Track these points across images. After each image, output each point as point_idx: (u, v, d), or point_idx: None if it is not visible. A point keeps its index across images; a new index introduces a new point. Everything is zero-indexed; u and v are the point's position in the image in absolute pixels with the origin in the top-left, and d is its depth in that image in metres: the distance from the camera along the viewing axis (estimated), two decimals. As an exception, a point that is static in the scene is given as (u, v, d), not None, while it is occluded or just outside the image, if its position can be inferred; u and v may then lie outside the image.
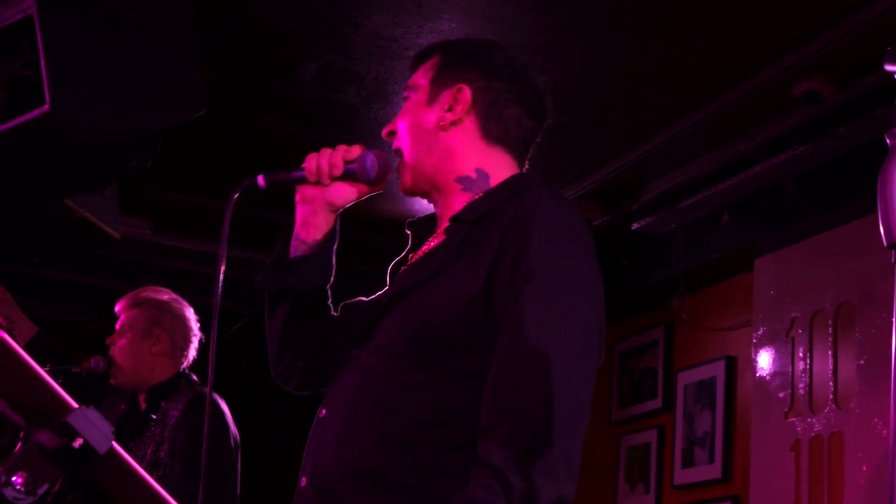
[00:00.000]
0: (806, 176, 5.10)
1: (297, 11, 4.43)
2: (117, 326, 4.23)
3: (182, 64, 3.98)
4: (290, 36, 4.63)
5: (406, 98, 2.36)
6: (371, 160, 2.28)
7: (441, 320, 2.06)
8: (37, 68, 3.74)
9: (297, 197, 2.35)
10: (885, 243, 1.84)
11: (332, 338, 2.38)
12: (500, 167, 2.27)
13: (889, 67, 1.88)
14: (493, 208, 2.15)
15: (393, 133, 2.34)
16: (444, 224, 2.27)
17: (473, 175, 2.25)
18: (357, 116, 5.15)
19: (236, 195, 2.24)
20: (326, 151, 2.28)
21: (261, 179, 2.25)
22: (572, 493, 1.93)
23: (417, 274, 2.19)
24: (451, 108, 2.26)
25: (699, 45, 4.46)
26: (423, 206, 2.38)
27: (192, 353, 4.28)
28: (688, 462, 5.89)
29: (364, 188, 2.32)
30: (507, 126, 2.29)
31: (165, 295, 4.34)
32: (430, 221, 2.37)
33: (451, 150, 2.27)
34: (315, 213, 2.33)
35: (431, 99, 2.29)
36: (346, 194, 2.32)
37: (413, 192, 2.34)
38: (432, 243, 2.27)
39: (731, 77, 4.67)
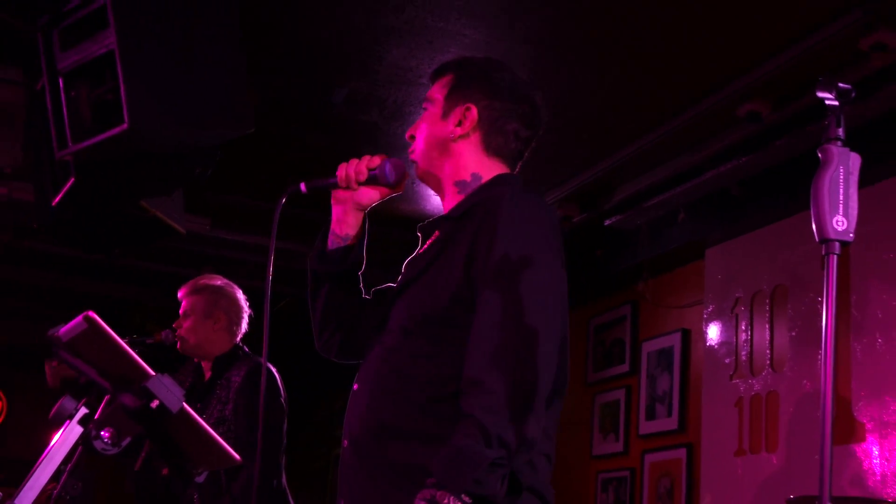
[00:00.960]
0: (748, 181, 5.10)
1: (330, 46, 4.42)
2: (181, 311, 4.22)
3: (235, 90, 3.95)
4: (324, 66, 4.61)
5: (424, 109, 2.34)
6: (389, 167, 2.30)
7: (437, 302, 2.09)
8: (117, 93, 3.72)
9: (332, 199, 2.37)
10: (816, 238, 1.81)
11: (365, 318, 2.38)
12: (492, 172, 2.27)
13: (820, 94, 1.84)
14: (474, 203, 2.18)
15: (413, 137, 2.35)
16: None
17: (469, 179, 2.26)
18: (379, 133, 5.12)
19: (284, 199, 2.28)
20: (354, 161, 2.30)
21: (303, 186, 2.30)
22: (538, 436, 1.94)
23: (417, 266, 2.22)
24: (460, 123, 2.25)
25: (660, 74, 4.46)
26: (435, 205, 2.44)
27: (245, 327, 4.27)
28: (650, 415, 5.91)
29: (385, 190, 2.33)
30: (507, 139, 2.28)
31: (219, 281, 4.33)
32: (436, 222, 2.34)
33: (456, 158, 2.27)
34: (347, 213, 2.35)
35: (445, 114, 2.28)
36: (371, 196, 2.33)
37: (424, 182, 2.38)
38: (432, 239, 2.28)
39: (686, 100, 4.67)
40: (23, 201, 5.12)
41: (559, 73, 4.48)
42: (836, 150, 1.82)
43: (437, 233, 2.26)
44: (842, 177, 1.80)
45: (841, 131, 1.84)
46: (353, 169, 2.29)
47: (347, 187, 2.31)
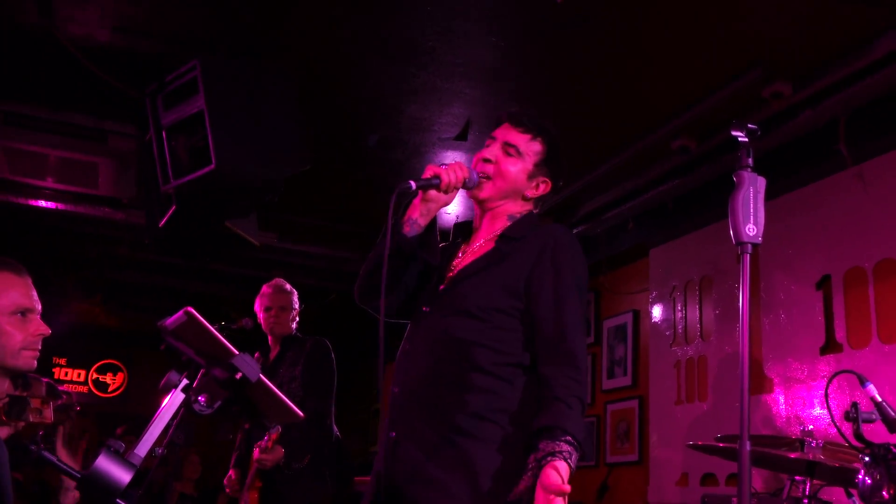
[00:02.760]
0: (680, 198, 5.09)
1: (366, 104, 4.42)
2: (269, 303, 4.18)
3: (295, 137, 3.96)
4: (361, 119, 4.61)
5: (510, 154, 2.21)
6: (475, 179, 2.19)
7: (496, 294, 2.05)
8: (206, 142, 3.77)
9: (424, 195, 2.17)
10: (734, 241, 1.83)
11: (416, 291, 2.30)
12: (528, 211, 2.25)
13: (734, 133, 1.85)
14: (527, 231, 2.16)
15: (488, 161, 2.22)
16: (483, 233, 2.24)
17: (517, 216, 2.23)
18: (403, 168, 5.05)
19: (397, 191, 2.06)
20: (450, 170, 2.14)
21: (412, 183, 2.09)
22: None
23: (476, 266, 2.14)
24: (536, 187, 2.22)
25: (612, 119, 4.44)
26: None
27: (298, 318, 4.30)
28: (611, 375, 5.90)
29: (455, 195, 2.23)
30: (545, 203, 2.30)
31: (287, 285, 4.31)
32: (468, 227, 2.32)
33: (517, 202, 2.23)
34: (430, 208, 2.19)
35: (531, 176, 2.22)
36: (453, 198, 2.22)
37: (479, 202, 2.25)
38: (483, 248, 2.20)
39: (632, 137, 4.64)
40: (137, 224, 5.17)
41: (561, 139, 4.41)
42: (747, 175, 1.83)
43: (491, 244, 2.18)
44: (752, 195, 1.82)
45: (750, 160, 1.86)
46: (454, 177, 2.13)
47: (446, 191, 2.15)
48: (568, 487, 1.82)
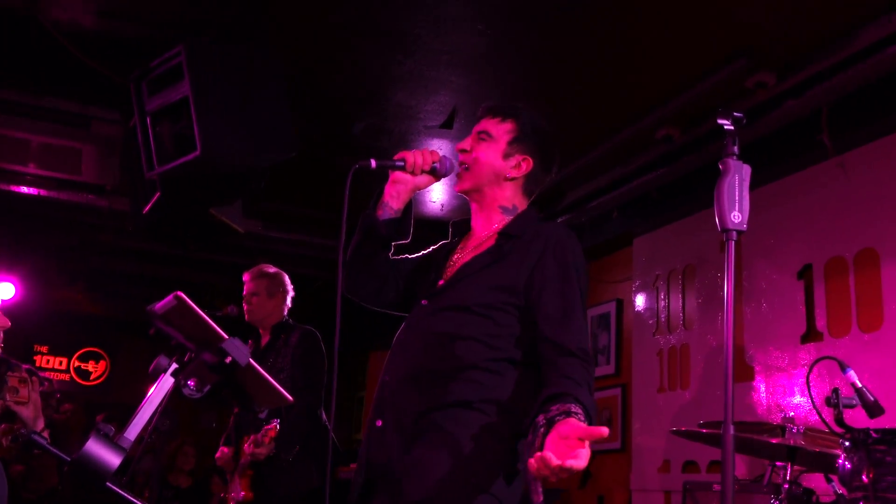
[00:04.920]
0: (664, 188, 5.10)
1: (353, 92, 4.41)
2: (247, 291, 4.13)
3: (281, 124, 3.92)
4: (347, 106, 4.59)
5: (482, 138, 2.18)
6: (448, 165, 2.18)
7: (495, 291, 2.03)
8: (191, 128, 3.72)
9: (392, 178, 2.18)
10: (718, 228, 1.82)
11: (398, 279, 2.27)
12: (524, 205, 2.22)
13: (720, 121, 1.84)
14: (527, 229, 2.12)
15: (465, 151, 2.20)
16: (479, 228, 2.22)
17: (510, 206, 2.19)
18: (387, 156, 5.04)
19: (356, 167, 2.03)
20: (418, 152, 2.15)
21: (373, 162, 2.06)
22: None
23: (477, 263, 2.11)
24: (517, 167, 2.17)
25: (598, 109, 4.44)
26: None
27: (289, 303, 4.20)
28: (594, 363, 5.94)
29: (434, 179, 2.22)
30: (539, 185, 2.24)
31: (272, 269, 4.25)
32: (466, 224, 2.29)
33: (503, 189, 2.19)
34: (403, 192, 2.19)
35: (506, 155, 2.17)
36: (425, 182, 2.20)
37: (464, 193, 2.22)
38: (483, 245, 2.17)
39: (616, 126, 4.65)
40: (121, 210, 5.14)
41: (546, 124, 4.43)
42: (733, 162, 1.83)
43: (491, 241, 2.15)
44: (737, 182, 1.82)
45: (736, 149, 1.85)
46: (420, 159, 2.14)
47: (412, 172, 2.15)
48: (603, 430, 1.62)
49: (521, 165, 2.19)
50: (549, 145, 2.24)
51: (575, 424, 1.68)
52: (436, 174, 2.19)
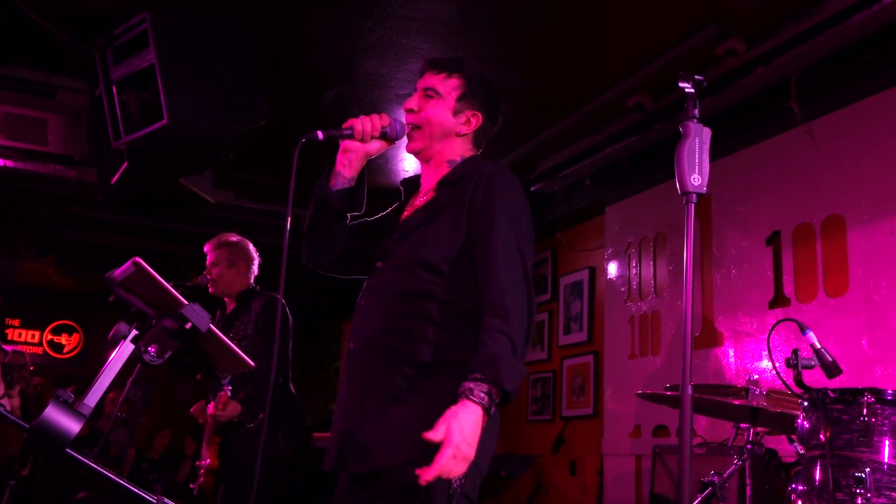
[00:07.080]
0: (636, 156, 5.14)
1: (322, 60, 4.36)
2: (209, 261, 4.10)
3: (250, 93, 3.86)
4: (317, 75, 4.54)
5: (430, 96, 2.15)
6: (399, 128, 2.14)
7: (448, 247, 2.00)
8: (157, 97, 3.67)
9: (342, 147, 2.14)
10: (679, 191, 1.80)
11: (359, 245, 2.25)
12: (470, 154, 2.19)
13: (681, 84, 1.82)
14: (464, 174, 2.09)
15: (412, 111, 2.17)
16: (426, 184, 2.20)
17: (458, 159, 2.17)
18: None
19: (303, 140, 1.99)
20: (365, 118, 2.11)
21: (320, 134, 2.01)
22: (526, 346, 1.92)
23: (420, 217, 2.10)
24: (467, 122, 2.16)
25: (568, 77, 4.43)
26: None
27: (256, 271, 4.15)
28: (567, 331, 5.96)
29: (386, 144, 2.17)
30: (487, 136, 2.22)
31: (234, 237, 4.18)
32: (416, 181, 2.26)
33: (453, 144, 2.17)
34: (354, 160, 2.15)
35: (455, 112, 2.16)
36: (378, 147, 2.16)
37: (415, 154, 2.19)
38: (425, 198, 2.15)
39: (588, 95, 4.65)
40: (89, 181, 5.08)
41: (495, 78, 4.42)
42: (693, 125, 1.82)
43: (432, 193, 2.12)
44: (697, 145, 1.80)
45: (696, 111, 1.84)
46: (368, 126, 2.10)
47: (361, 140, 2.11)
48: (436, 436, 1.74)
49: (470, 121, 2.17)
50: (495, 98, 2.22)
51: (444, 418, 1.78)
52: (387, 139, 2.16)
